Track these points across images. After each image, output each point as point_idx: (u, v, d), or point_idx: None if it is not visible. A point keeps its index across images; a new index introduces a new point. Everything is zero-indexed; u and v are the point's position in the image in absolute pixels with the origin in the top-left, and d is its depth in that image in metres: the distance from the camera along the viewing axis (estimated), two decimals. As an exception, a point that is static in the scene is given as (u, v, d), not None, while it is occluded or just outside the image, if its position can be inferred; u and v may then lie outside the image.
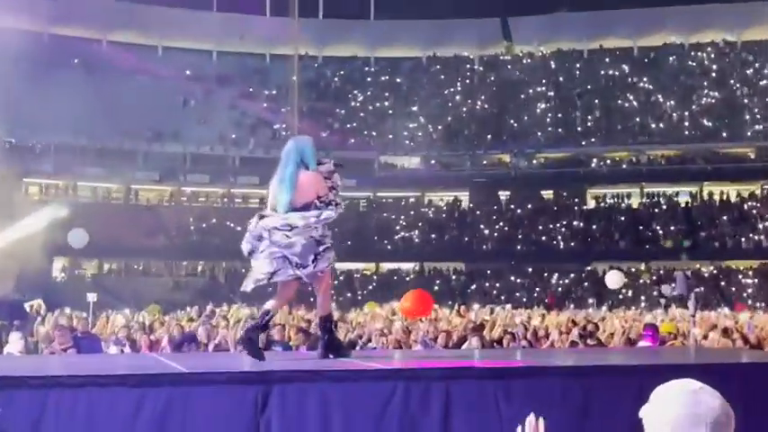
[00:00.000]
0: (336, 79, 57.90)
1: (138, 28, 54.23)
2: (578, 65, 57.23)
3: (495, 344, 11.74)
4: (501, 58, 59.14)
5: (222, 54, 57.45)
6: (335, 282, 44.99)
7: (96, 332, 13.47)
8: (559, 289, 43.00)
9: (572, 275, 44.37)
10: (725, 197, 47.62)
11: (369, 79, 57.97)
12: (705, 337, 11.67)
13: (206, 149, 50.83)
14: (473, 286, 44.12)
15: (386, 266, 48.01)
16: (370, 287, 43.87)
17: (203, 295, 41.97)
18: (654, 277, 42.75)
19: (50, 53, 47.69)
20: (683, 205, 48.18)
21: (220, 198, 51.25)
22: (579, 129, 52.57)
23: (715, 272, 42.80)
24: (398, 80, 57.86)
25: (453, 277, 45.64)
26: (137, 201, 49.83)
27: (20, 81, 39.16)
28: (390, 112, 55.52)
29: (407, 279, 45.91)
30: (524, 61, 58.52)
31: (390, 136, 53.60)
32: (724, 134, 49.82)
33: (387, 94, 56.57)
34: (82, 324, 12.15)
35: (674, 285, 23.30)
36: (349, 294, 42.18)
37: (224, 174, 50.61)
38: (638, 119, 52.27)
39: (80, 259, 45.53)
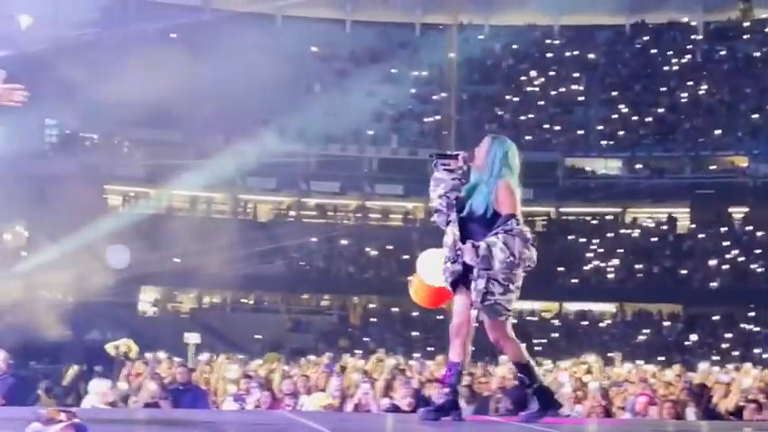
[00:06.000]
0: (508, 56, 57.81)
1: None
2: None
3: (730, 415, 11.50)
4: (735, 25, 57.58)
5: (358, 24, 58.35)
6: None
7: (196, 382, 13.86)
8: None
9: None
10: None
11: (551, 55, 57.57)
12: None
13: (335, 149, 51.64)
14: (693, 337, 43.04)
15: (571, 308, 47.38)
16: (552, 335, 43.47)
17: (329, 338, 42.74)
18: None
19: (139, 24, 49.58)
20: None
21: (353, 212, 51.92)
22: None
23: None
24: (592, 56, 57.20)
25: (666, 324, 44.70)
26: (245, 215, 51.17)
27: (99, 60, 40.79)
28: (580, 99, 54.90)
29: (601, 325, 45.24)
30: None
31: (579, 132, 52.97)
32: None
33: (576, 75, 55.99)
34: (182, 373, 12.51)
35: None
36: (523, 343, 41.86)
37: (358, 181, 51.26)
38: None
39: (174, 290, 47.16)
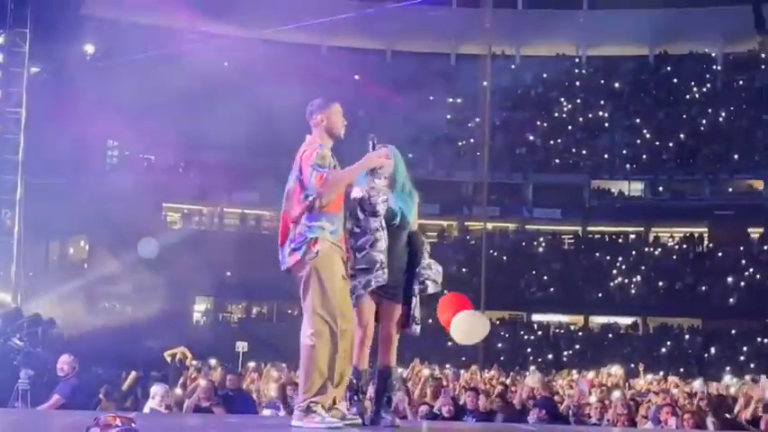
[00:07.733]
0: (538, 84, 57.72)
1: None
2: None
3: (750, 425, 11.39)
4: (753, 56, 57.13)
5: (397, 54, 58.49)
6: (530, 337, 44.73)
7: (247, 388, 13.96)
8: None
9: None
10: None
11: (579, 84, 57.44)
12: None
13: (376, 171, 51.70)
14: (712, 350, 42.61)
15: (597, 321, 47.16)
16: (576, 346, 43.27)
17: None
18: None
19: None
20: None
21: (392, 230, 51.91)
22: None
23: None
24: (617, 85, 56.99)
25: (687, 337, 44.28)
26: (293, 231, 51.32)
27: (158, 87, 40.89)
28: (606, 125, 54.71)
29: (625, 337, 44.95)
30: (784, 60, 56.36)
31: (605, 155, 52.75)
32: None
33: (602, 102, 55.82)
34: (232, 379, 12.60)
35: None
36: (550, 355, 41.80)
37: (396, 201, 51.24)
38: None
39: (225, 301, 47.38)
